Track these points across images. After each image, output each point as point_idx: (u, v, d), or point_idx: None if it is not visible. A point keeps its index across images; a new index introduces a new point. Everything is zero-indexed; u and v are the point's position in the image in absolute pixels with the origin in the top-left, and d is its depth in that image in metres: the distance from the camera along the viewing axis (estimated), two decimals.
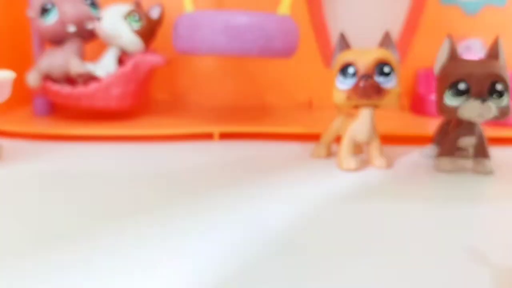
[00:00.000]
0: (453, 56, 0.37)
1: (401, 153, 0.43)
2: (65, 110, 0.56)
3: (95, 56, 0.52)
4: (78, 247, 0.22)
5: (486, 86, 0.34)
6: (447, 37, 0.37)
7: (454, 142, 0.38)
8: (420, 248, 0.23)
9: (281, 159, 0.40)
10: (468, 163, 0.39)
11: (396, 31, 0.66)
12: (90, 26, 0.51)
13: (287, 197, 0.30)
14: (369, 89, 0.35)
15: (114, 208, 0.27)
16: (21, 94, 0.52)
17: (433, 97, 0.38)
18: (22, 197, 0.30)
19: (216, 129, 0.47)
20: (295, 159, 0.41)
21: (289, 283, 0.19)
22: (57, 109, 0.57)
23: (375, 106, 0.37)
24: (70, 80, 0.51)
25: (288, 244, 0.23)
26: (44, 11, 0.50)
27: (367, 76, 0.35)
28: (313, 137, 0.45)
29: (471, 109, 0.34)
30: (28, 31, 0.55)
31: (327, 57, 0.66)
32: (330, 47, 0.65)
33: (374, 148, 0.38)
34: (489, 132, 0.40)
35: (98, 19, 0.50)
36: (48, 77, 0.51)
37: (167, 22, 0.53)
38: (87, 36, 0.52)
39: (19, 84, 0.40)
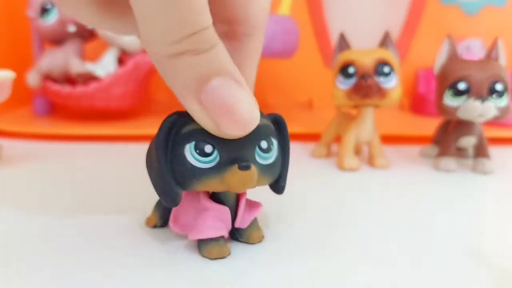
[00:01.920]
0: (453, 56, 0.37)
1: (401, 153, 0.43)
2: (65, 110, 0.56)
3: (95, 56, 0.52)
4: (78, 246, 0.22)
5: (486, 86, 0.34)
6: (447, 37, 0.38)
7: (454, 142, 0.38)
8: (420, 248, 0.23)
9: None
10: (468, 163, 0.39)
11: (396, 31, 0.66)
12: (90, 26, 0.51)
13: (287, 196, 0.30)
14: (369, 89, 0.35)
15: (114, 208, 0.27)
16: (21, 94, 0.52)
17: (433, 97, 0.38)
18: (22, 197, 0.30)
19: None
20: (295, 159, 0.41)
21: (284, 283, 0.19)
22: (57, 109, 0.57)
23: (375, 106, 0.37)
24: (70, 80, 0.51)
25: (287, 244, 0.23)
26: (44, 11, 0.50)
27: (367, 76, 0.35)
28: (313, 137, 0.45)
29: (471, 109, 0.34)
30: (28, 31, 0.55)
31: (327, 57, 0.66)
32: (330, 47, 0.66)
33: (374, 148, 0.38)
34: (489, 132, 0.40)
35: None
36: (48, 77, 0.51)
37: None
38: (87, 36, 0.52)
39: (19, 84, 0.40)
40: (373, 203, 0.30)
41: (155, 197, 0.23)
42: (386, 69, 0.35)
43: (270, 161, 0.20)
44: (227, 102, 0.17)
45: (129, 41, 0.49)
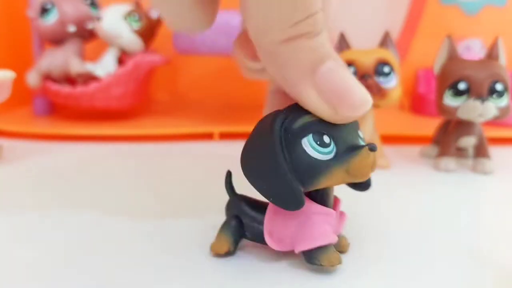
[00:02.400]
0: (453, 56, 0.37)
1: (401, 153, 0.43)
2: (65, 110, 0.56)
3: (95, 56, 0.52)
4: (78, 247, 0.22)
5: (486, 86, 0.34)
6: (447, 37, 0.38)
7: (454, 142, 0.38)
8: (420, 247, 0.23)
9: None
10: (468, 163, 0.39)
11: (396, 31, 0.66)
12: (90, 26, 0.51)
13: None
14: (369, 89, 0.35)
15: (114, 207, 0.27)
16: (21, 94, 0.52)
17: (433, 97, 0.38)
18: (22, 197, 0.30)
19: (216, 129, 0.47)
20: None
21: (282, 284, 0.19)
22: (57, 109, 0.57)
23: (375, 106, 0.37)
24: (70, 80, 0.51)
25: None
26: (44, 11, 0.50)
27: (367, 76, 0.35)
28: None
29: (471, 109, 0.34)
30: (28, 31, 0.55)
31: None
32: None
33: None
34: (489, 132, 0.40)
35: (98, 19, 0.50)
36: (48, 77, 0.51)
37: None
38: (87, 36, 0.52)
39: (19, 84, 0.40)
40: (373, 203, 0.30)
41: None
42: (386, 69, 0.35)
43: None
44: (343, 84, 0.18)
45: (129, 41, 0.49)
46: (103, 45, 0.52)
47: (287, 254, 0.21)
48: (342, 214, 0.22)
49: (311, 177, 0.18)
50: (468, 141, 0.38)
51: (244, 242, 0.22)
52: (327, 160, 0.18)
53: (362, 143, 0.19)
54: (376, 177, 0.36)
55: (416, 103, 0.63)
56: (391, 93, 0.35)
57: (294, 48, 0.17)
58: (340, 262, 0.20)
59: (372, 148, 0.18)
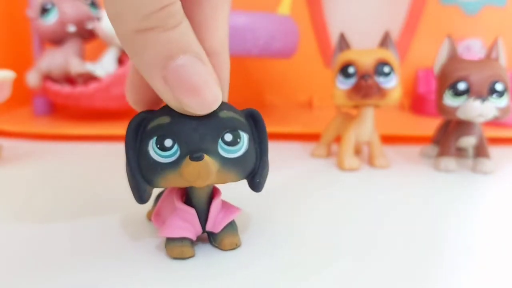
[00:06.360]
0: (453, 56, 0.37)
1: (401, 153, 0.43)
2: (65, 110, 0.56)
3: (95, 56, 0.52)
4: (77, 245, 0.22)
5: (486, 86, 0.34)
6: (447, 37, 0.38)
7: (454, 142, 0.38)
8: (420, 247, 0.23)
9: (281, 158, 0.40)
10: (468, 163, 0.39)
11: (396, 31, 0.66)
12: (90, 26, 0.51)
13: (287, 196, 0.30)
14: (369, 89, 0.35)
15: (114, 207, 0.27)
16: (21, 94, 0.52)
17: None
18: (21, 197, 0.30)
19: None
20: (295, 159, 0.41)
21: (285, 283, 0.19)
22: (57, 109, 0.57)
23: (375, 106, 0.37)
24: (70, 80, 0.51)
25: (288, 244, 0.23)
26: (44, 11, 0.50)
27: (367, 76, 0.35)
28: (313, 137, 0.45)
29: (471, 109, 0.34)
30: (28, 31, 0.55)
31: (327, 57, 0.66)
32: (330, 47, 0.66)
33: (374, 148, 0.38)
34: (489, 132, 0.40)
35: (98, 19, 0.50)
36: (48, 77, 0.51)
37: None
38: (87, 36, 0.52)
39: (19, 84, 0.40)
40: (373, 203, 0.30)
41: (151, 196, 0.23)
42: (386, 69, 0.35)
43: (237, 154, 0.20)
44: (191, 81, 0.18)
45: None
46: (103, 45, 0.52)
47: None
48: (230, 210, 0.22)
49: (150, 177, 0.19)
50: (468, 141, 0.38)
51: None
52: (163, 163, 0.19)
53: (220, 149, 0.19)
54: (376, 177, 0.36)
55: (416, 103, 0.63)
56: (391, 93, 0.35)
57: (145, 41, 0.17)
58: (181, 256, 0.21)
59: (193, 158, 0.18)
